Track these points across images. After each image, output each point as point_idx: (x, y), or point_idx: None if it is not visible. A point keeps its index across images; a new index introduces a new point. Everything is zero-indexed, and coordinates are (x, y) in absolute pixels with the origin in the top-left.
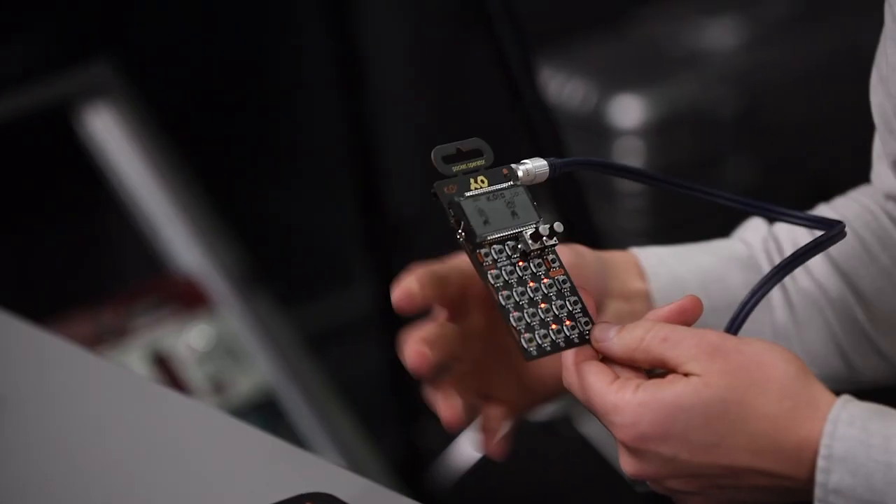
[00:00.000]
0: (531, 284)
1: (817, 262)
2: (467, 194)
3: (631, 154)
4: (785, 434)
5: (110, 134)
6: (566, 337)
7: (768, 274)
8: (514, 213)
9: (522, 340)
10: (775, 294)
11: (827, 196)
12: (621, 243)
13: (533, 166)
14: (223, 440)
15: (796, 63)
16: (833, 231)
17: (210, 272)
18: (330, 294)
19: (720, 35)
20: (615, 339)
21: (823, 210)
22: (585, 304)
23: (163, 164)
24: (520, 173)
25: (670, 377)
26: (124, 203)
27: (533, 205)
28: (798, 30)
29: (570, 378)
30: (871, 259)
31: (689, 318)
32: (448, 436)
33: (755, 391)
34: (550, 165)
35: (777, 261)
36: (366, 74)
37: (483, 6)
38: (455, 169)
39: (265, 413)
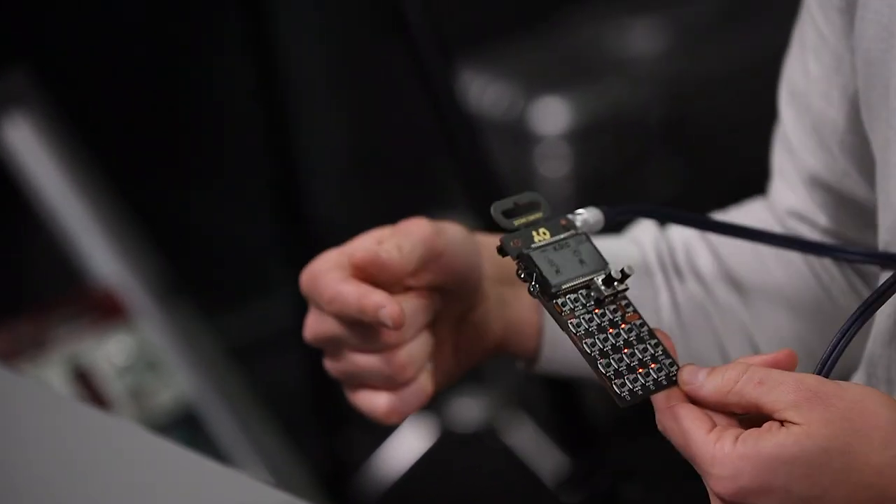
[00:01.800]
0: (611, 331)
1: (708, 268)
2: (533, 246)
3: (556, 159)
4: (890, 483)
5: (26, 144)
6: (655, 380)
7: (855, 312)
8: (581, 262)
9: (615, 387)
10: (663, 296)
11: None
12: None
13: (589, 216)
14: (142, 457)
15: (722, 66)
16: None
17: (129, 283)
18: (251, 304)
19: (645, 38)
20: (706, 381)
21: (717, 217)
22: (665, 345)
23: (80, 173)
24: (578, 223)
25: (767, 425)
26: (41, 214)
27: (598, 252)
28: (724, 32)
29: (666, 422)
30: (766, 273)
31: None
32: (373, 446)
33: (858, 440)
34: (605, 213)
35: (667, 265)
36: (284, 82)
37: (400, 9)
38: (516, 223)
39: (187, 426)
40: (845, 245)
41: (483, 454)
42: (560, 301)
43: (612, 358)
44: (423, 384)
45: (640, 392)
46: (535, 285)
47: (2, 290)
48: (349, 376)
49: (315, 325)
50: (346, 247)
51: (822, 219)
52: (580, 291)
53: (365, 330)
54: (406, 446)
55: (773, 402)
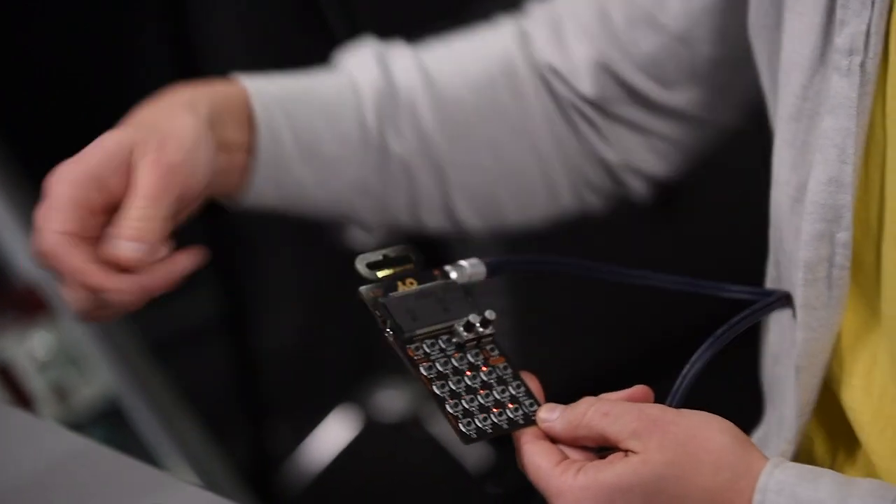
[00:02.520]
0: (468, 373)
1: (428, 120)
2: (392, 294)
3: None
4: None
5: None
6: (509, 419)
7: (706, 344)
8: (445, 309)
9: (461, 425)
10: (370, 158)
11: (673, 194)
12: (465, 242)
13: (469, 267)
14: (63, 456)
15: None
16: (777, 295)
17: (49, 278)
18: (173, 299)
19: None
20: (560, 416)
21: (464, 50)
22: (530, 387)
23: None
24: (453, 275)
25: (611, 457)
26: None
27: (467, 299)
28: None
29: (520, 458)
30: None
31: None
32: (297, 439)
33: (692, 465)
34: (487, 265)
35: (387, 121)
36: (205, 76)
37: (318, 4)
38: (380, 274)
39: (110, 422)
40: (726, 285)
41: (407, 444)
42: (414, 346)
43: (464, 399)
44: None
45: (489, 430)
46: (388, 331)
47: None
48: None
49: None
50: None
51: (586, 86)
52: (441, 337)
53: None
54: (330, 437)
55: (617, 433)
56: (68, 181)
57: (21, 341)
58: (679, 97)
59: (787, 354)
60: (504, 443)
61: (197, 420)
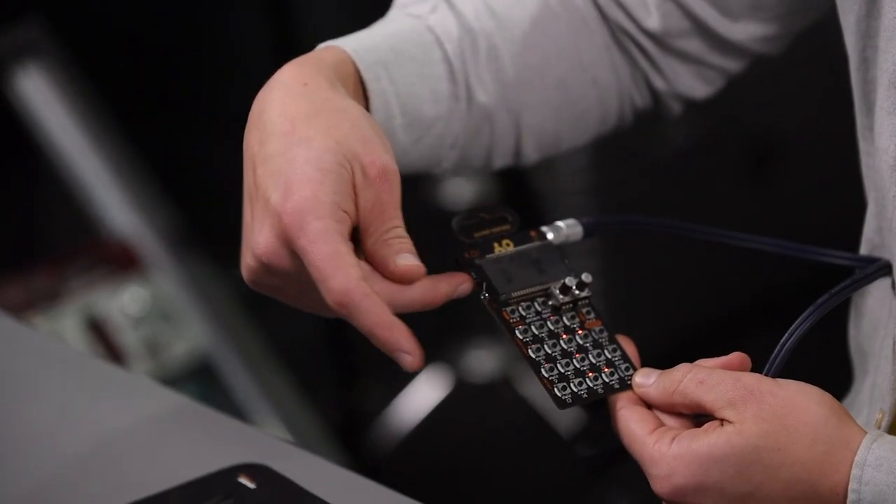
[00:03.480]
0: (564, 336)
1: (507, 66)
2: (489, 257)
3: None
4: (820, 479)
5: (41, 95)
6: (605, 383)
7: (806, 313)
8: (541, 271)
9: (556, 390)
10: (460, 109)
11: (769, 155)
12: (562, 204)
13: (566, 228)
14: (155, 412)
15: None
16: (879, 265)
17: (144, 234)
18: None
19: None
20: (655, 382)
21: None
22: (626, 351)
23: (95, 125)
24: (550, 236)
25: (706, 426)
26: (56, 165)
27: (563, 261)
28: None
29: (615, 424)
30: (546, 65)
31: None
32: (387, 398)
33: (788, 437)
34: (584, 226)
35: (471, 70)
36: (302, 33)
37: None
38: (477, 235)
39: (201, 377)
40: (824, 249)
41: (498, 405)
42: (509, 309)
43: (560, 362)
44: None
45: (584, 395)
46: (485, 294)
47: (16, 242)
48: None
49: (257, 278)
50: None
51: (652, 20)
52: (537, 300)
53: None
54: (420, 398)
55: (712, 401)
56: (328, 234)
57: (114, 297)
58: (740, 30)
59: (885, 324)
60: (597, 406)
61: (288, 377)
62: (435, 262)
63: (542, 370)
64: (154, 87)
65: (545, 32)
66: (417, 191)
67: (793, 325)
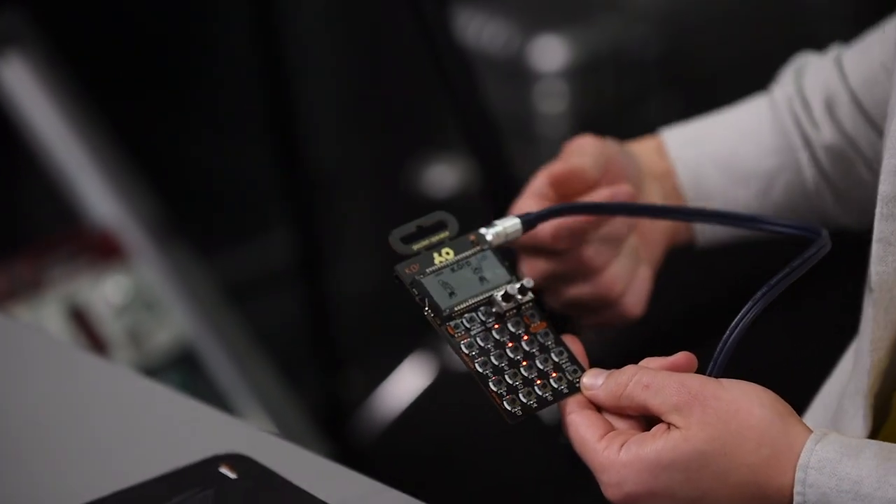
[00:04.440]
0: (510, 345)
1: (846, 114)
2: (428, 270)
3: (554, 96)
4: (767, 482)
5: (23, 84)
6: (553, 390)
7: (745, 308)
8: (482, 279)
9: (505, 403)
10: (802, 154)
11: None
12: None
13: (503, 227)
14: (137, 402)
15: (718, 2)
16: (818, 244)
17: (126, 223)
18: (248, 244)
19: None
20: (602, 385)
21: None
22: (573, 351)
23: (76, 113)
24: (489, 237)
25: (654, 430)
26: (38, 154)
27: (503, 265)
28: None
29: (565, 430)
30: None
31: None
32: (370, 385)
33: (734, 441)
34: (523, 222)
35: (803, 119)
36: (283, 21)
37: None
38: (416, 247)
39: (183, 366)
40: (768, 217)
41: (480, 392)
42: (454, 323)
43: (507, 374)
44: (634, 296)
45: (534, 405)
46: (427, 310)
47: None
48: (572, 306)
49: (534, 267)
50: (542, 176)
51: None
52: (480, 308)
53: (577, 262)
54: (404, 385)
55: (658, 406)
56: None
57: (96, 286)
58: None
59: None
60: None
61: (271, 366)
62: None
63: (490, 384)
64: (137, 75)
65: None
66: (400, 178)
67: (733, 322)
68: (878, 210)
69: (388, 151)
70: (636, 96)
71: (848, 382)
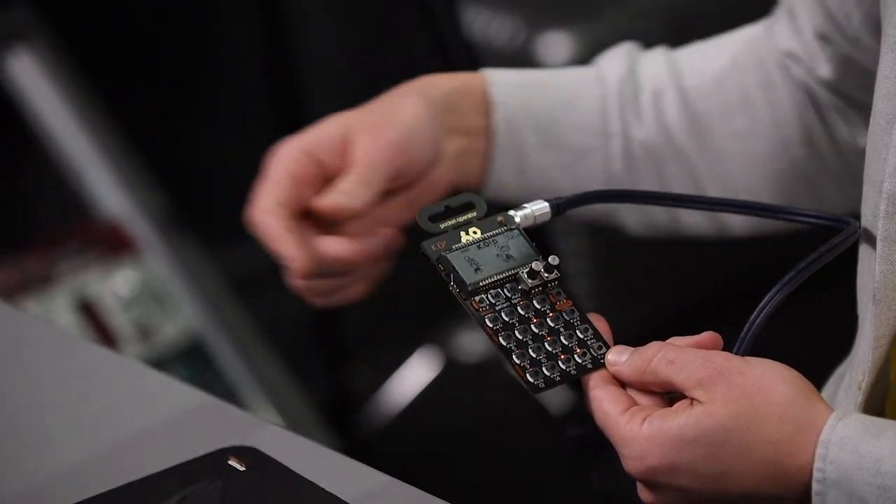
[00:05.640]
0: (535, 321)
1: (673, 112)
2: (455, 247)
3: None
4: (788, 459)
5: (31, 78)
6: (577, 364)
7: (774, 290)
8: (508, 257)
9: (528, 375)
10: (615, 144)
11: None
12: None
13: (532, 210)
14: (144, 394)
15: None
16: (847, 233)
17: (134, 216)
18: (255, 237)
19: None
20: (627, 361)
21: (713, 45)
22: (599, 329)
23: (85, 107)
24: (517, 219)
25: (677, 405)
26: (46, 148)
27: (530, 245)
28: None
29: (588, 404)
30: (728, 119)
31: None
32: (377, 378)
33: (757, 417)
34: (552, 206)
35: (628, 108)
36: (290, 14)
37: None
38: (443, 226)
39: (192, 359)
40: (795, 207)
41: (488, 385)
42: (478, 298)
43: (531, 347)
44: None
45: (557, 378)
46: (453, 285)
47: (6, 224)
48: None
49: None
50: (294, 177)
51: (824, 69)
52: (505, 286)
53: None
54: (411, 378)
55: (682, 381)
56: (284, 156)
57: (105, 279)
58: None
59: (866, 286)
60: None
61: (278, 359)
62: (417, 243)
63: (514, 356)
64: (144, 68)
65: (724, 86)
66: None
67: (761, 303)
68: (882, 208)
69: None
70: None
71: (845, 375)
